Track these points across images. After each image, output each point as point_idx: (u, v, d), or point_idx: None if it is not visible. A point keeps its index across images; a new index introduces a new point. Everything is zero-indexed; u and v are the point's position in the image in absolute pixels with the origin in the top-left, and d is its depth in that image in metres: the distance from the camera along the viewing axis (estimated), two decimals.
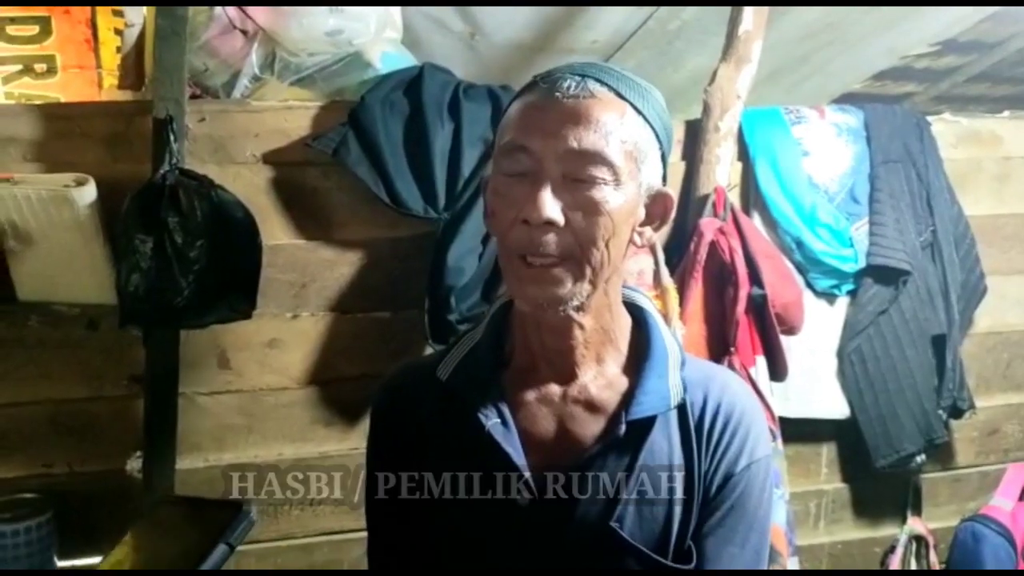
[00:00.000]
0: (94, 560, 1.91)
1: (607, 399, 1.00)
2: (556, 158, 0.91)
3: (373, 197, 1.89)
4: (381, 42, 2.02)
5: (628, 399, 0.99)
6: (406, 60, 2.08)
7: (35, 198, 1.60)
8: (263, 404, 1.99)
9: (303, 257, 1.96)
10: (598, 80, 0.94)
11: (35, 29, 1.76)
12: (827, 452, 2.34)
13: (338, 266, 1.98)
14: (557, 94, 0.92)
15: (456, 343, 1.09)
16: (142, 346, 1.82)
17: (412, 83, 1.96)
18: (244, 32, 1.90)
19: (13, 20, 1.74)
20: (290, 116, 1.92)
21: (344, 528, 2.04)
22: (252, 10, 1.90)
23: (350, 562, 2.03)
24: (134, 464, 1.88)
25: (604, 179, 0.91)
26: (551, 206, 0.90)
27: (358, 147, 1.87)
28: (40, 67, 1.81)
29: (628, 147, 0.93)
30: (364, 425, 2.03)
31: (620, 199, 0.92)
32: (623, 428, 0.97)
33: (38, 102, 1.82)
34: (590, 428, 1.00)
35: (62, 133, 1.80)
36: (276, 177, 1.92)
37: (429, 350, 1.99)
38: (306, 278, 1.97)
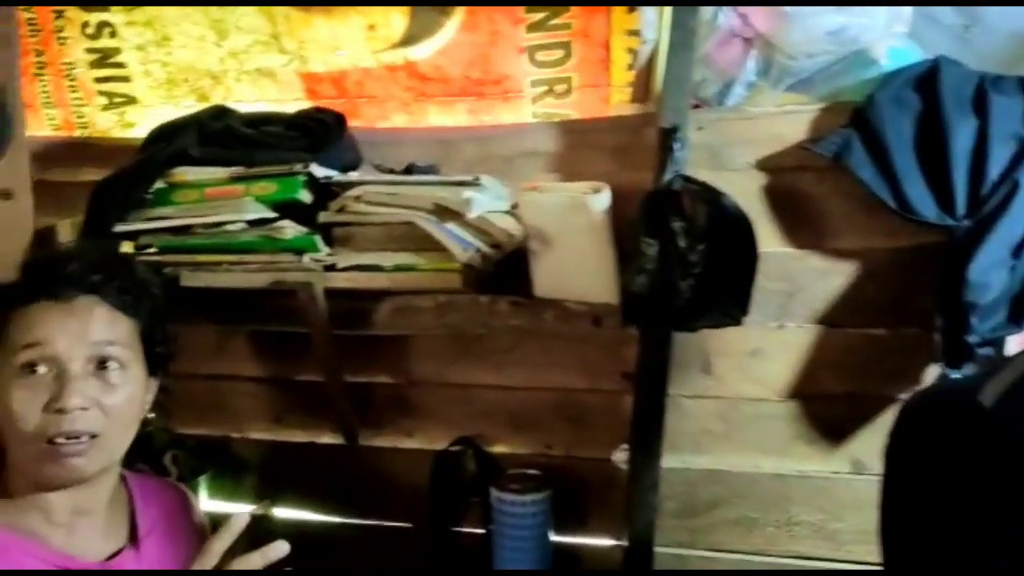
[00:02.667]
0: (580, 540, 2.07)
1: None
2: None
3: (871, 203, 1.76)
4: (888, 37, 1.87)
5: None
6: (914, 55, 1.89)
7: (557, 204, 1.77)
8: (742, 413, 1.97)
9: (792, 265, 1.90)
10: None
11: (559, 53, 1.95)
12: None
13: (829, 276, 1.88)
14: None
15: (1007, 364, 0.93)
16: (635, 345, 1.91)
17: (924, 78, 1.78)
18: (744, 39, 1.90)
19: (542, 47, 1.95)
20: (786, 121, 1.87)
21: (819, 555, 1.91)
22: (753, 15, 1.88)
23: None
24: (620, 456, 1.99)
25: None
26: None
27: (863, 149, 1.75)
28: (560, 88, 2.00)
29: None
30: (850, 447, 1.92)
31: None
32: None
33: (556, 119, 2.02)
34: None
35: (575, 146, 1.98)
36: (769, 183, 1.89)
37: (932, 373, 1.80)
38: (794, 287, 1.91)
